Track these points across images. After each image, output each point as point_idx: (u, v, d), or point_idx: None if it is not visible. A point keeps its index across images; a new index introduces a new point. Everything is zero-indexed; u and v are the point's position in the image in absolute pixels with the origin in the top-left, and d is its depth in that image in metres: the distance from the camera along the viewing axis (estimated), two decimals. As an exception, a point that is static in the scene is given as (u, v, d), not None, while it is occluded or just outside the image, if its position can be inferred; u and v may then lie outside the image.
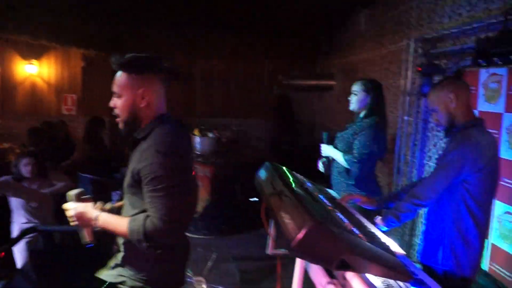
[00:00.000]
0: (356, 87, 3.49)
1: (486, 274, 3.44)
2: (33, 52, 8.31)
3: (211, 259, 3.81)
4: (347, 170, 3.39)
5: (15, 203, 4.14)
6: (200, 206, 5.05)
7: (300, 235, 1.44)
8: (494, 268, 3.45)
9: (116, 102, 2.02)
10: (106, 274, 2.10)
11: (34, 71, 8.40)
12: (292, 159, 7.31)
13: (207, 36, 8.65)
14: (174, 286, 2.15)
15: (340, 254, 1.46)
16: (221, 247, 4.12)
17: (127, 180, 1.99)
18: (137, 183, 1.91)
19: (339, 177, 3.48)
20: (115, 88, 2.01)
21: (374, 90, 3.45)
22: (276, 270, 2.44)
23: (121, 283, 2.03)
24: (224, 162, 6.39)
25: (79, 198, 2.06)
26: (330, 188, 3.43)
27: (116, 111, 2.03)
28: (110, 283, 2.05)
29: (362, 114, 3.48)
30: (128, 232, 1.87)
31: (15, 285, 3.05)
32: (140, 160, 1.88)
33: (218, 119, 8.68)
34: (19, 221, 4.12)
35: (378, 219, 2.51)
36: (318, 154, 3.67)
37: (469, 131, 2.40)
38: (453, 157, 2.34)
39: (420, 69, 4.16)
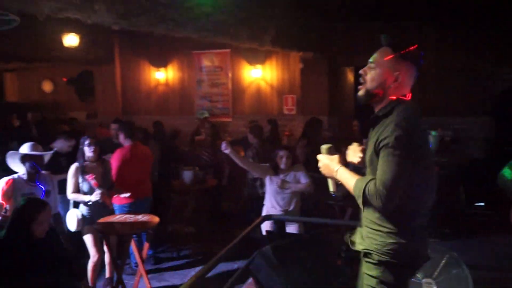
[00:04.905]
0: None
1: None
2: (257, 58, 9.16)
3: (443, 263, 3.66)
4: None
5: (269, 189, 4.70)
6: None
7: None
8: None
9: (368, 72, 2.20)
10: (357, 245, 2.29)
11: (259, 75, 9.25)
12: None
13: (422, 28, 8.25)
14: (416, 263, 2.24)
15: None
16: (447, 251, 3.89)
17: (368, 154, 2.17)
18: (376, 154, 2.08)
19: None
20: (372, 59, 2.20)
21: None
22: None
23: (367, 255, 2.19)
24: (446, 162, 6.09)
25: (328, 152, 2.31)
26: None
27: (364, 79, 2.22)
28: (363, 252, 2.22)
29: None
30: (352, 187, 2.11)
31: (256, 264, 3.36)
32: (382, 132, 2.05)
33: (434, 117, 8.18)
34: (267, 205, 4.70)
35: None
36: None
37: None
38: None
39: None
